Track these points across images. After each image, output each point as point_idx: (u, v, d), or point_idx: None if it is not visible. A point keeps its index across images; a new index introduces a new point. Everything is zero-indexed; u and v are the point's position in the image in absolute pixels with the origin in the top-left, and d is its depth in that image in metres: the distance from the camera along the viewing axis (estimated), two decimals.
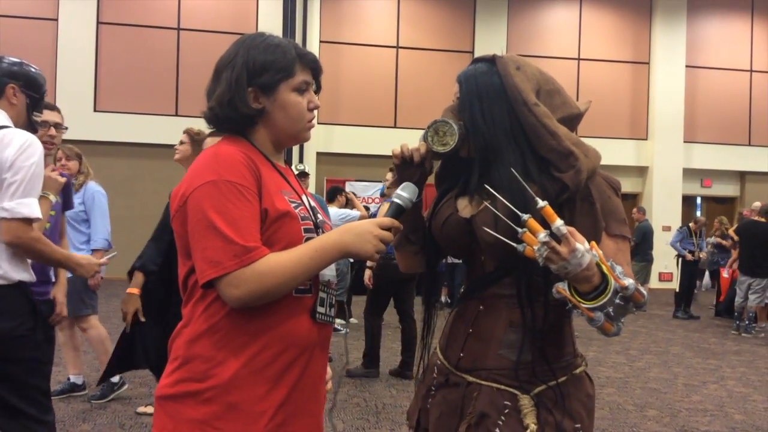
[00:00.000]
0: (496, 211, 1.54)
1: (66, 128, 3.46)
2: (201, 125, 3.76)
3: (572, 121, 1.74)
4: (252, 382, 1.52)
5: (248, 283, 1.46)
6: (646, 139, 16.29)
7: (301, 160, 13.22)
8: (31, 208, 2.45)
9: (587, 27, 16.20)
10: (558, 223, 1.40)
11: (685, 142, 16.18)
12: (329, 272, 1.69)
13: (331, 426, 4.63)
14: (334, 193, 8.27)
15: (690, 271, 11.55)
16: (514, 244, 1.46)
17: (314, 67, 1.70)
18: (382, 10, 15.42)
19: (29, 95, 2.67)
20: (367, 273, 6.40)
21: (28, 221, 2.46)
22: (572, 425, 1.64)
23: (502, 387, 1.65)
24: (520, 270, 1.61)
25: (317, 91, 1.74)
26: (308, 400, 1.61)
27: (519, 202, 1.53)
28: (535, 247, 1.42)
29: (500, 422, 1.61)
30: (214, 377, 1.52)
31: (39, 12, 13.85)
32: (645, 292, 1.50)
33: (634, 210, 12.36)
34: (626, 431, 4.87)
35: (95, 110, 13.78)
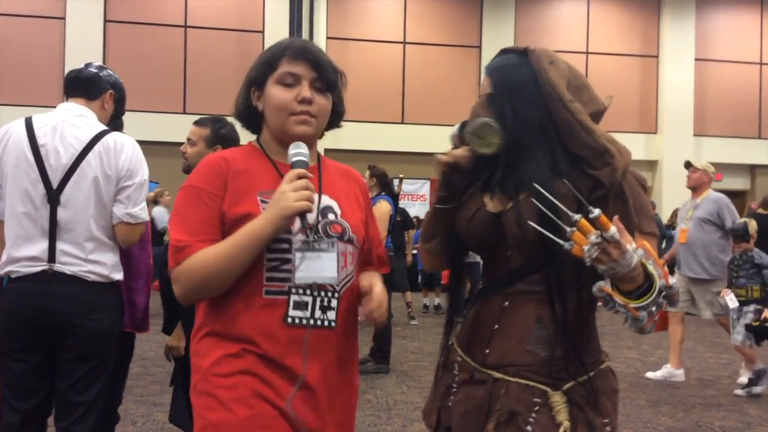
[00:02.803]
0: (544, 209, 1.52)
1: None
2: None
3: (598, 116, 1.73)
4: (221, 374, 1.58)
5: (181, 279, 1.56)
6: (655, 133, 16.21)
7: None
8: (145, 212, 2.71)
9: (595, 20, 16.11)
10: (612, 230, 1.39)
11: (694, 135, 16.08)
12: (325, 273, 1.54)
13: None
14: None
15: None
16: (561, 242, 1.44)
17: (310, 59, 1.67)
18: (389, 5, 15.38)
19: (116, 108, 2.88)
20: None
21: (143, 224, 2.71)
22: (601, 421, 1.63)
23: (531, 383, 1.62)
24: (552, 266, 1.60)
25: (329, 87, 1.70)
26: (298, 405, 1.59)
27: (551, 204, 1.51)
28: (585, 247, 1.40)
29: (531, 419, 1.59)
30: (200, 370, 1.62)
31: (46, 11, 13.89)
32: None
33: None
34: (640, 427, 4.83)
35: None
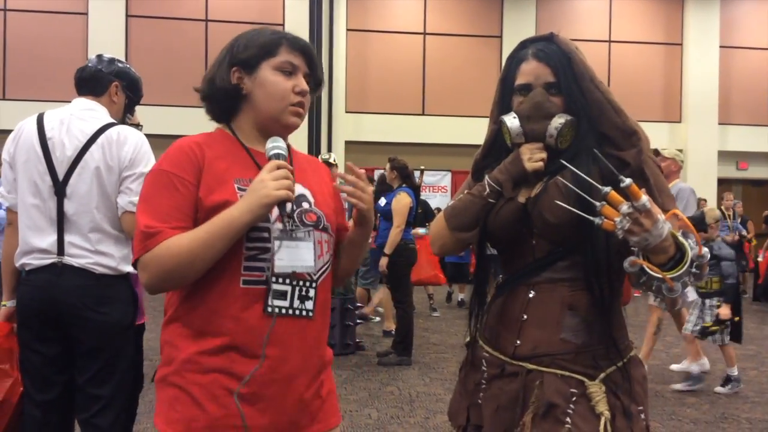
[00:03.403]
0: (571, 185, 1.52)
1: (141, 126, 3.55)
2: None
3: None
4: (199, 369, 1.54)
5: (149, 267, 1.50)
6: (679, 122, 16.01)
7: (329, 150, 13.21)
8: None
9: (618, 8, 15.92)
10: (644, 199, 1.37)
11: (719, 124, 15.85)
12: (303, 262, 1.52)
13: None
14: None
15: None
16: (591, 218, 1.42)
17: (306, 54, 1.67)
18: None
19: (128, 96, 2.86)
20: (384, 260, 6.29)
21: None
22: (636, 408, 1.63)
23: (567, 373, 1.61)
24: (587, 249, 1.59)
25: (316, 85, 1.72)
26: (277, 396, 1.56)
27: (588, 182, 1.50)
28: (617, 220, 1.39)
29: (570, 411, 1.58)
30: (173, 362, 1.57)
31: (69, 7, 14.01)
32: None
33: None
34: (665, 419, 4.79)
35: None
